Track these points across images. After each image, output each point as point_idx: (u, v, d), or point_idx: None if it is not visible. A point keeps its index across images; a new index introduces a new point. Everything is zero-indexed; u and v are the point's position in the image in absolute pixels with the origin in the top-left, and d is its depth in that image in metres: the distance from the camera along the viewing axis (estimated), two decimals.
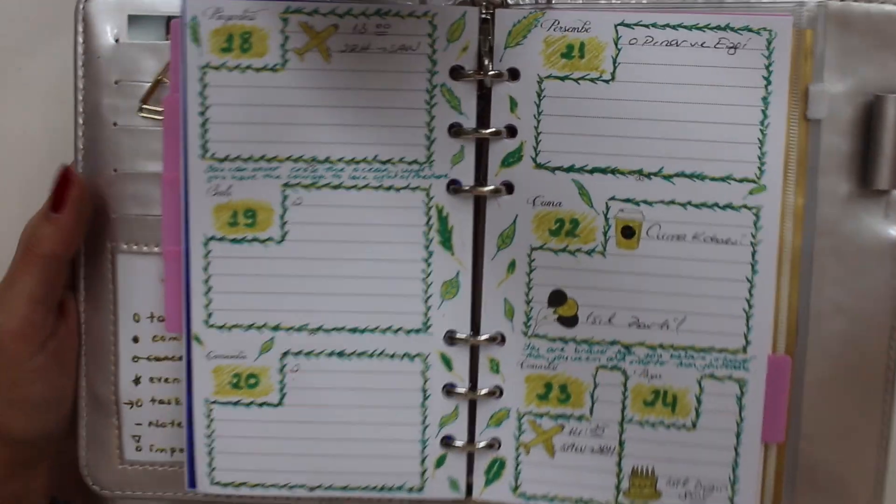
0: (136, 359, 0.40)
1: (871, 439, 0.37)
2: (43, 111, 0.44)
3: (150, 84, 0.39)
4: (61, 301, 0.38)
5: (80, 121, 0.39)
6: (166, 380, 0.40)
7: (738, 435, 0.37)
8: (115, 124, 0.39)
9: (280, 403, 0.38)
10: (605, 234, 0.37)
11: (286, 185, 0.37)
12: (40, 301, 0.37)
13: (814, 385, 0.37)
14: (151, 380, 0.40)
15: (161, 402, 0.40)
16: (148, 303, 0.40)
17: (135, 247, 0.39)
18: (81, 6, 0.38)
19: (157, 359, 0.40)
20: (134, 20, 0.38)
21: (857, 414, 0.37)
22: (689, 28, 0.35)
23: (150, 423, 0.40)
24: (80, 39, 0.38)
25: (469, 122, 0.37)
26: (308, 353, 0.38)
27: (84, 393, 0.40)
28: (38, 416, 0.38)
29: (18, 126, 0.44)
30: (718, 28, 0.35)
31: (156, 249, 0.39)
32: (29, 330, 0.36)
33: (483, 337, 0.38)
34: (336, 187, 0.37)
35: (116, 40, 0.38)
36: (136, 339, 0.40)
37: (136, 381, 0.40)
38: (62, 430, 0.39)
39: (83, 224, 0.38)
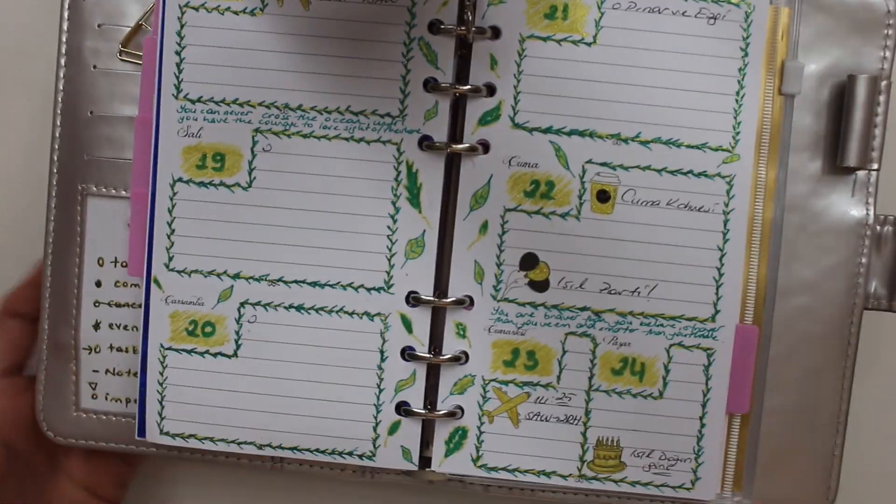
0: (97, 303, 0.32)
1: (831, 413, 0.31)
2: (26, 54, 0.36)
3: (130, 28, 0.32)
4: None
5: (62, 62, 0.32)
6: (125, 327, 0.32)
7: (703, 405, 0.29)
8: (94, 67, 0.32)
9: (234, 355, 0.31)
10: (580, 197, 0.30)
11: (257, 130, 0.30)
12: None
13: (778, 358, 0.31)
14: (111, 326, 0.32)
15: (119, 349, 0.32)
16: (113, 247, 0.32)
17: (104, 189, 0.32)
18: None
19: (118, 305, 0.32)
20: None
21: (817, 389, 0.31)
22: None
23: (107, 371, 0.32)
24: None
25: (445, 77, 0.30)
26: (266, 305, 0.30)
27: (45, 336, 0.32)
28: None
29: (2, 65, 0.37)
30: None
31: (124, 193, 0.32)
32: None
33: (450, 299, 0.30)
34: (306, 136, 0.30)
35: None
36: (98, 284, 0.32)
37: (96, 326, 0.32)
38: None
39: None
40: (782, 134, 0.30)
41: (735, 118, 0.29)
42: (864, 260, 0.30)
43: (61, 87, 0.32)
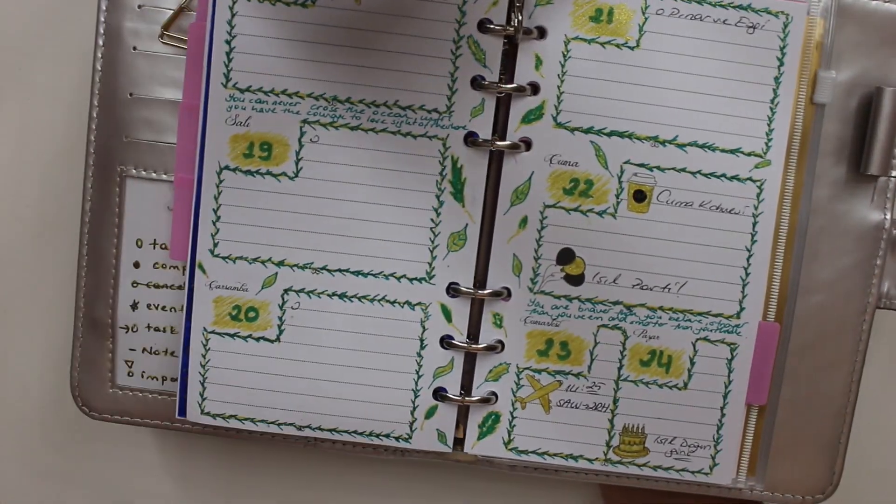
0: (135, 284, 0.33)
1: (839, 405, 0.33)
2: (66, 33, 0.36)
3: (173, 11, 0.32)
4: None
5: (101, 42, 0.32)
6: (163, 307, 0.33)
7: (724, 396, 0.32)
8: (134, 48, 0.32)
9: (277, 340, 0.32)
10: (617, 196, 0.31)
11: (305, 121, 0.31)
12: None
13: (795, 353, 0.33)
14: (149, 306, 0.33)
15: (156, 329, 0.33)
16: (152, 229, 0.33)
17: (143, 172, 0.33)
18: None
19: (157, 286, 0.33)
20: None
21: (828, 383, 0.33)
22: (714, 4, 0.30)
23: (144, 350, 0.34)
24: None
25: (492, 75, 0.31)
26: (310, 292, 0.32)
27: (81, 314, 0.33)
28: None
29: (44, 43, 0.37)
30: (741, 7, 0.30)
31: (164, 176, 0.33)
32: None
33: (488, 291, 0.32)
34: (354, 128, 0.31)
35: None
36: (136, 265, 0.33)
37: (134, 306, 0.33)
38: None
39: None
40: (811, 141, 0.32)
41: (768, 125, 0.31)
42: (878, 262, 0.33)
43: (99, 68, 0.32)
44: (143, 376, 0.34)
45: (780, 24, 0.31)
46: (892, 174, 0.32)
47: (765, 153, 0.31)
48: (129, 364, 0.34)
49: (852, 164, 0.33)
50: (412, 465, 0.37)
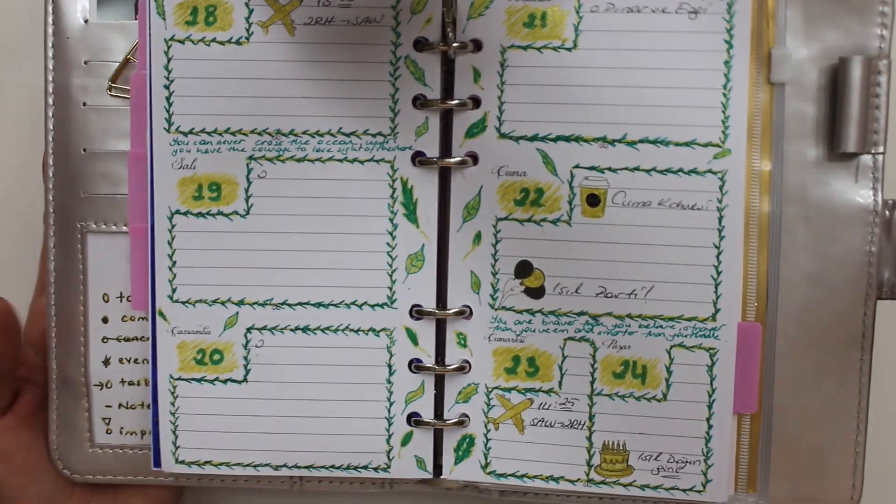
0: (105, 339, 0.36)
1: (849, 409, 0.33)
2: (15, 94, 0.40)
3: (118, 63, 0.36)
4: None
5: (51, 101, 0.36)
6: (136, 360, 0.36)
7: (709, 406, 0.32)
8: (84, 104, 0.36)
9: (244, 380, 0.34)
10: (570, 202, 0.33)
11: (251, 157, 0.34)
12: None
13: (787, 355, 0.33)
14: (121, 360, 0.36)
15: (130, 383, 0.36)
16: (117, 283, 0.36)
17: (104, 226, 0.36)
18: None
19: (127, 339, 0.36)
20: (102, 0, 0.35)
21: (834, 383, 0.33)
22: None
23: (120, 405, 0.36)
24: (50, 20, 0.35)
25: (433, 93, 0.33)
26: (273, 329, 0.34)
27: (54, 375, 0.36)
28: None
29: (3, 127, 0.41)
30: None
31: (125, 228, 0.36)
32: None
33: (450, 311, 0.34)
34: (301, 160, 0.34)
35: (85, 21, 0.35)
36: (105, 320, 0.36)
37: (106, 361, 0.36)
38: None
39: (10, 344, 0.34)
40: (774, 123, 0.33)
41: (723, 112, 0.32)
42: (873, 248, 0.32)
43: (51, 127, 0.36)
44: (121, 432, 0.36)
45: (723, 5, 0.32)
46: (878, 150, 0.32)
47: (723, 142, 0.32)
48: (107, 421, 0.37)
49: (826, 143, 0.33)
50: (401, 495, 0.38)
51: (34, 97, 0.37)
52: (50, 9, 0.35)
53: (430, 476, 0.34)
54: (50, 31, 0.35)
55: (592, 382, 0.33)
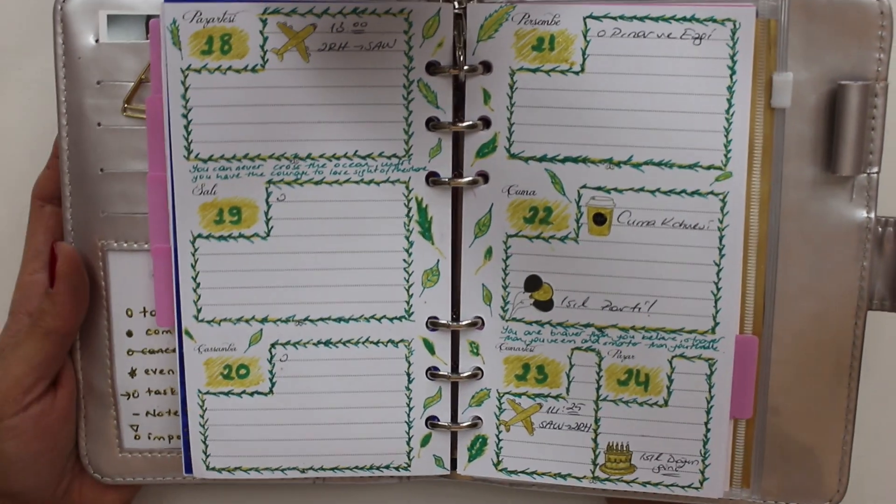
0: (130, 352, 0.38)
1: (838, 413, 0.36)
2: (30, 112, 0.41)
3: (132, 84, 0.37)
4: (59, 370, 0.37)
5: (64, 122, 0.37)
6: (161, 371, 0.38)
7: (707, 411, 0.36)
8: (99, 124, 0.37)
9: (270, 392, 0.37)
10: (577, 221, 0.35)
11: (270, 182, 0.35)
12: (36, 368, 0.35)
13: (781, 363, 0.36)
14: (147, 371, 0.38)
15: (157, 392, 0.39)
16: (140, 298, 0.38)
17: (125, 244, 0.38)
18: (59, 7, 0.36)
19: (151, 351, 0.38)
20: (113, 20, 0.36)
21: (825, 389, 0.36)
22: (656, 20, 0.34)
23: (148, 413, 0.39)
24: (60, 41, 0.36)
25: (446, 115, 0.35)
26: (296, 343, 0.37)
27: (81, 386, 0.38)
28: (13, 473, 0.36)
29: (4, 127, 0.42)
30: (684, 19, 0.34)
31: (145, 246, 0.37)
32: (16, 391, 0.35)
33: (463, 322, 0.36)
34: (318, 183, 0.35)
35: (96, 41, 0.36)
36: (129, 334, 0.38)
37: (132, 373, 0.38)
38: (44, 489, 0.37)
39: (80, 296, 0.36)
40: (774, 146, 0.34)
41: (726, 136, 0.34)
42: (865, 263, 0.35)
43: (66, 147, 0.36)
44: (149, 437, 0.39)
45: (727, 31, 0.34)
46: (872, 170, 0.34)
47: (725, 165, 0.34)
48: (135, 428, 0.39)
49: (822, 164, 0.34)
50: (417, 483, 0.41)
51: (52, 118, 0.37)
52: (59, 29, 0.36)
53: (448, 472, 0.37)
54: (60, 51, 0.36)
55: (598, 389, 0.36)
